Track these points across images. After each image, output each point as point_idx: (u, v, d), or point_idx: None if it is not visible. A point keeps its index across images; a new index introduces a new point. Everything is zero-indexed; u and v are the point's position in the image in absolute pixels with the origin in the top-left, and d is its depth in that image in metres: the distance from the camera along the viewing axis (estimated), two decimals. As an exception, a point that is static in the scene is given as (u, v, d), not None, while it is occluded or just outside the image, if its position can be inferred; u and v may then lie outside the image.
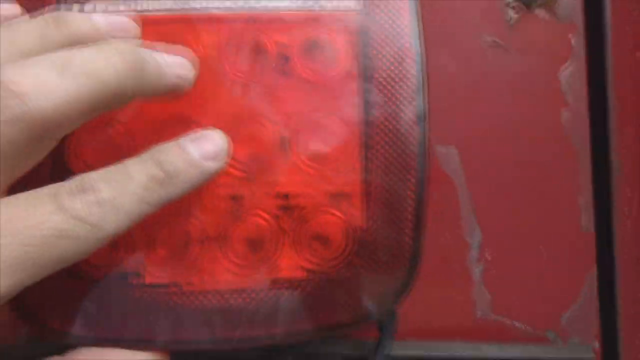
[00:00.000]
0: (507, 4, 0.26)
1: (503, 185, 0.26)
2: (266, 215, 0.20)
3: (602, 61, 0.27)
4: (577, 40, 0.27)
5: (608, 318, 0.26)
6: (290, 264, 0.20)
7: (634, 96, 0.27)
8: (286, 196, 0.20)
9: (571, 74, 0.27)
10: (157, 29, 0.20)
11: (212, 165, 0.18)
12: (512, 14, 0.26)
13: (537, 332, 0.25)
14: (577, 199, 0.26)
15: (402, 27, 0.22)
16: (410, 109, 0.21)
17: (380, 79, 0.21)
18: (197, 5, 0.21)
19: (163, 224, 0.20)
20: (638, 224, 0.26)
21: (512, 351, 0.24)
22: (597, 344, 0.26)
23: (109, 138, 0.20)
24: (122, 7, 0.20)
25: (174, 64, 0.18)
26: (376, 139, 0.21)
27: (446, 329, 0.25)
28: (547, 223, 0.26)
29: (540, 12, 0.27)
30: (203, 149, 0.18)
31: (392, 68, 0.21)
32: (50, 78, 0.15)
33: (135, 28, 0.19)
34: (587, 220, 0.26)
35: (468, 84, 0.26)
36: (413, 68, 0.22)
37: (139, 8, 0.20)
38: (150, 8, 0.21)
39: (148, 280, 0.20)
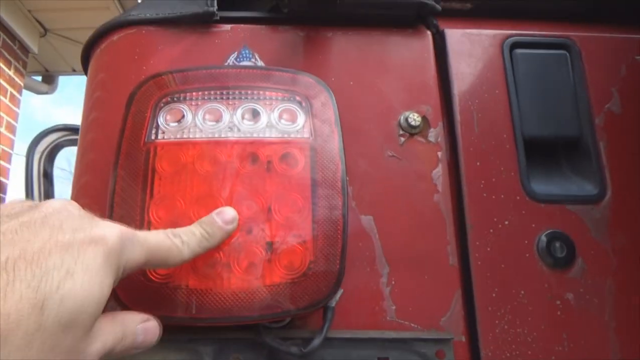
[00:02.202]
0: (399, 134, 0.46)
1: (403, 239, 0.43)
2: (260, 249, 0.37)
3: (457, 165, 0.46)
4: (442, 154, 0.46)
5: (471, 321, 0.41)
6: (274, 275, 0.36)
7: (476, 180, 0.45)
8: (270, 243, 0.37)
9: (439, 173, 0.45)
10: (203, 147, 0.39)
11: (229, 227, 0.35)
12: (402, 139, 0.46)
13: (425, 329, 0.40)
14: (446, 247, 0.43)
15: (332, 147, 0.40)
16: (337, 195, 0.39)
17: (323, 178, 0.39)
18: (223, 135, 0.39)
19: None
20: (485, 262, 0.43)
21: (405, 335, 0.39)
22: (463, 337, 0.40)
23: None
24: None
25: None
26: (320, 208, 0.38)
27: (367, 326, 0.40)
28: (428, 261, 0.42)
29: (419, 138, 0.46)
30: (225, 217, 0.36)
31: (329, 173, 0.39)
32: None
33: None
34: (453, 259, 0.43)
35: (378, 178, 0.45)
36: (340, 172, 0.39)
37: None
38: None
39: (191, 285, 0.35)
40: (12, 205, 0.29)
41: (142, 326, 0.32)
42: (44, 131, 1.98)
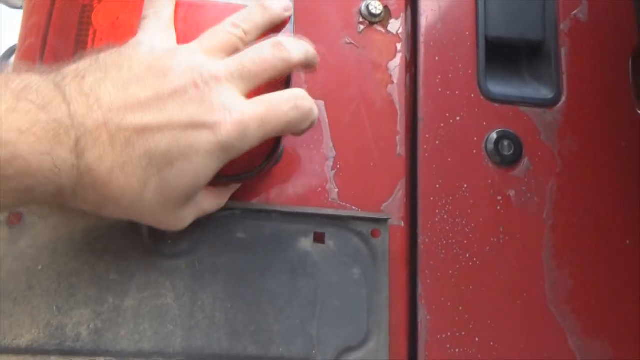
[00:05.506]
0: (359, 21, 0.44)
1: (350, 124, 0.42)
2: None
3: (415, 58, 0.45)
4: (401, 46, 0.45)
5: (412, 208, 0.42)
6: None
7: (433, 75, 0.44)
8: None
9: (396, 64, 0.44)
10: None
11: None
12: (361, 27, 0.44)
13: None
14: (395, 137, 0.43)
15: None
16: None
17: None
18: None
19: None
20: (432, 155, 0.43)
21: (343, 213, 0.39)
22: (402, 223, 0.41)
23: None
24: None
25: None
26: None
27: (308, 205, 0.40)
28: (376, 149, 0.42)
29: (378, 27, 0.45)
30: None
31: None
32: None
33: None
34: (401, 149, 0.43)
35: (333, 64, 0.43)
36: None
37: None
38: None
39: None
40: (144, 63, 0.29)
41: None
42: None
